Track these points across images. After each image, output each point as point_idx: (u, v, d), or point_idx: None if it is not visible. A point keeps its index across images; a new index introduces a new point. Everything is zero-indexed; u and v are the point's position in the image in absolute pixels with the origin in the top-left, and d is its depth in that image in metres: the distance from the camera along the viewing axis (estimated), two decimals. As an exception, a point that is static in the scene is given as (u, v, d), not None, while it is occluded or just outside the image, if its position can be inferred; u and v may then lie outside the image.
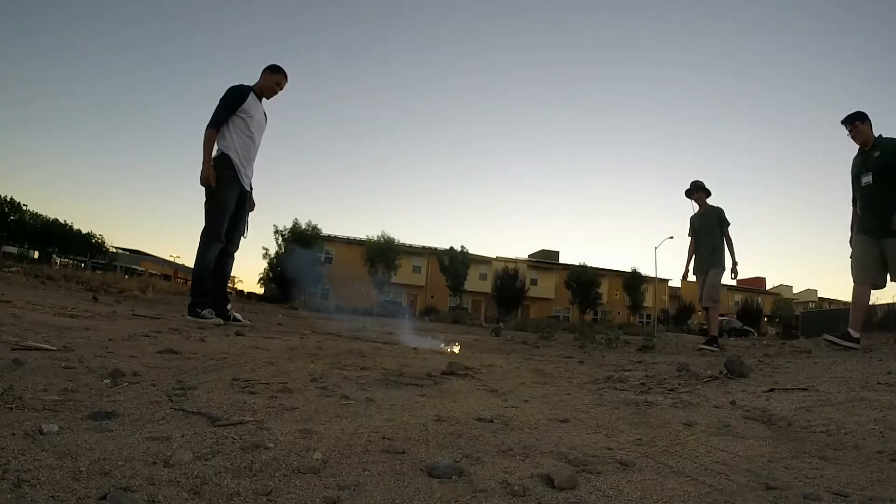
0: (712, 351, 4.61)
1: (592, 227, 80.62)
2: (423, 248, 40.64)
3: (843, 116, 4.13)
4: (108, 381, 1.37)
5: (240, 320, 4.10)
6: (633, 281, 42.52)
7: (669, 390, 2.01)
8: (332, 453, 0.95)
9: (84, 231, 38.56)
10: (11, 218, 34.03)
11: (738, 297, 47.10)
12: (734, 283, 50.93)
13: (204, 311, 3.86)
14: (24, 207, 35.17)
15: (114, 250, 41.89)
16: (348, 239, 38.79)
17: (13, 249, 32.07)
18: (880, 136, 4.07)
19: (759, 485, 0.91)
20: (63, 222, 37.08)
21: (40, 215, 36.12)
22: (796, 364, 2.84)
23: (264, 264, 32.48)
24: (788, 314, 39.52)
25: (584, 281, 40.05)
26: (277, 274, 30.10)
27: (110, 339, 2.16)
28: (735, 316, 38.02)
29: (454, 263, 36.74)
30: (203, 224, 3.99)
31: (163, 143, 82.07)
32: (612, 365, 3.14)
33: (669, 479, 0.93)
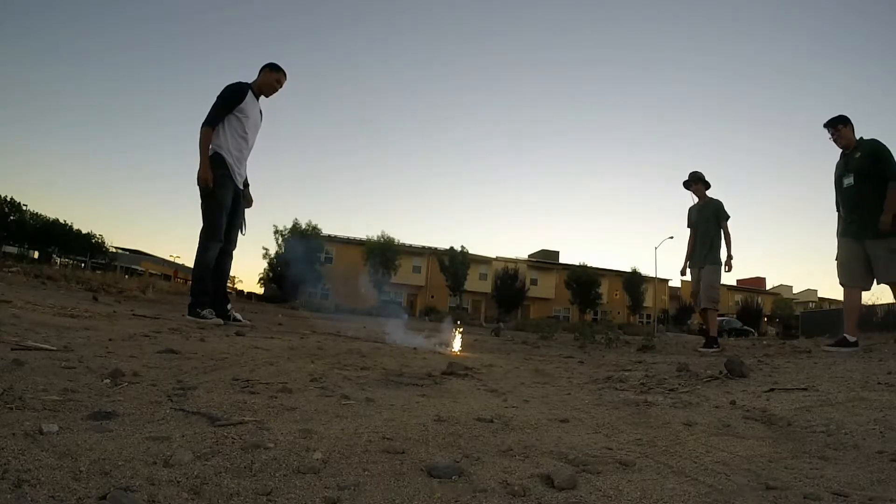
0: (712, 352, 4.61)
1: (592, 227, 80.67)
2: (423, 248, 40.63)
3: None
4: (108, 381, 1.37)
5: (239, 320, 4.10)
6: (633, 281, 42.49)
7: (669, 390, 2.01)
8: (332, 453, 0.95)
9: (84, 231, 38.53)
10: (11, 218, 34.00)
11: (738, 297, 47.10)
12: (734, 282, 50.75)
13: (204, 311, 3.86)
14: (24, 207, 35.16)
15: (114, 250, 41.87)
16: (348, 239, 38.78)
17: (13, 249, 32.05)
18: (861, 138, 4.07)
19: (759, 485, 0.91)
20: (63, 222, 37.06)
21: (40, 215, 36.10)
22: (796, 364, 2.84)
23: (264, 264, 32.53)
24: (788, 314, 39.47)
25: (584, 281, 40.04)
26: (277, 274, 30.11)
27: (110, 339, 2.16)
28: (735, 316, 38.01)
29: (454, 263, 36.73)
30: (201, 224, 3.99)
31: (163, 143, 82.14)
32: (612, 365, 3.14)
33: (669, 479, 0.93)
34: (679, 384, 2.14)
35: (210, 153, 3.95)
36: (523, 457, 1.03)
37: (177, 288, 14.06)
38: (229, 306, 4.12)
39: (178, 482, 0.75)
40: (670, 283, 44.41)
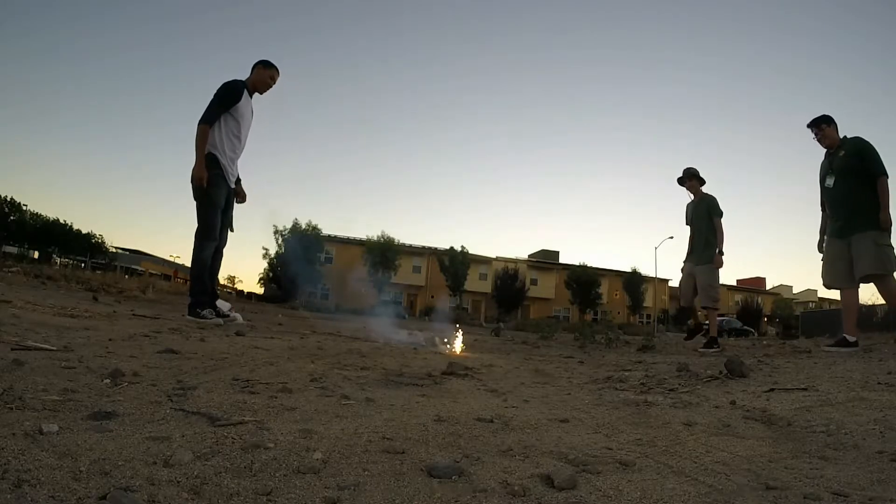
0: (713, 352, 4.60)
1: (592, 227, 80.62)
2: (423, 248, 40.63)
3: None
4: (108, 381, 1.37)
5: (227, 315, 4.07)
6: (633, 281, 42.49)
7: (669, 390, 2.01)
8: (332, 453, 0.95)
9: (84, 231, 38.53)
10: (11, 218, 34.01)
11: (738, 296, 47.10)
12: (734, 282, 50.60)
13: (204, 311, 3.86)
14: (24, 207, 35.18)
15: (114, 250, 41.85)
16: (348, 239, 38.79)
17: (13, 249, 32.03)
18: (845, 136, 4.06)
19: (759, 485, 0.91)
20: (63, 222, 37.06)
21: (40, 215, 36.12)
22: (796, 364, 2.84)
23: (264, 264, 32.54)
24: (788, 314, 39.47)
25: (584, 281, 40.05)
26: (278, 274, 30.12)
27: (110, 339, 2.16)
28: (735, 316, 38.00)
29: (454, 263, 36.74)
30: (196, 224, 3.99)
31: (162, 143, 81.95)
32: (612, 365, 3.14)
33: (669, 479, 0.93)
34: (679, 384, 2.14)
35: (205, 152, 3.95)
36: (523, 457, 1.03)
37: (177, 288, 14.05)
38: (219, 302, 4.11)
39: (178, 482, 0.75)
40: (670, 283, 44.38)
